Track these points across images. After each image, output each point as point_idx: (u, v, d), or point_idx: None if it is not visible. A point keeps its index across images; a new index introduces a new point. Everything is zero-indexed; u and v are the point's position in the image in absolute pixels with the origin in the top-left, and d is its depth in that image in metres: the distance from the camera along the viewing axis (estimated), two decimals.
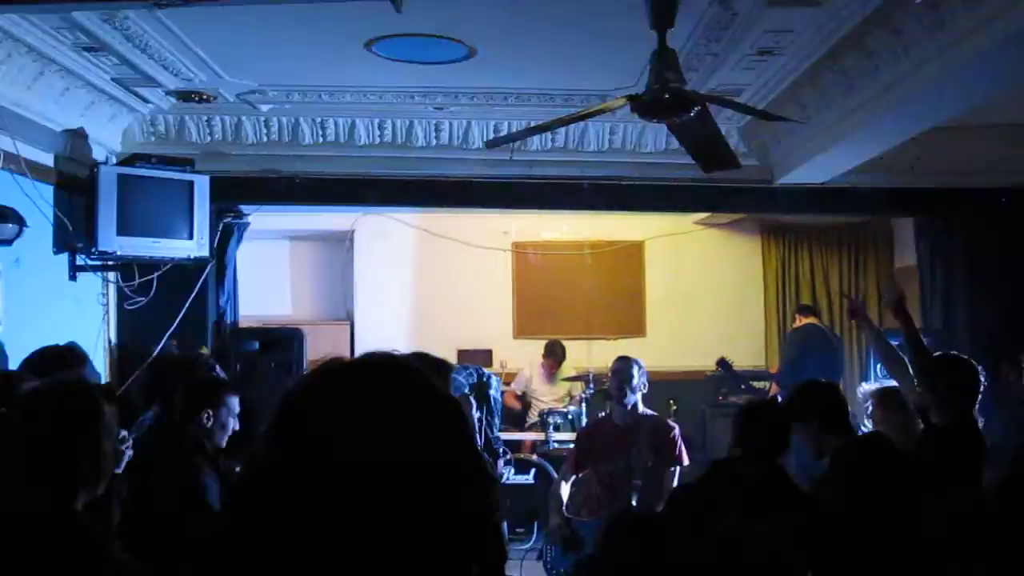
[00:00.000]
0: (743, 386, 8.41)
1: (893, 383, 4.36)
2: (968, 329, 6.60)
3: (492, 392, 7.34)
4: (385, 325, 9.28)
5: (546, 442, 7.82)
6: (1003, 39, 3.64)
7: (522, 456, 7.64)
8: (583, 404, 8.19)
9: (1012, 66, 3.93)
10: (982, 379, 3.88)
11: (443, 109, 5.63)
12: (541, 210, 8.80)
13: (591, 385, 8.30)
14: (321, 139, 6.23)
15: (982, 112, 5.01)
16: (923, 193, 6.82)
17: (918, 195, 6.87)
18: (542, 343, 8.94)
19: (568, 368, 8.74)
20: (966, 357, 3.99)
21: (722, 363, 8.38)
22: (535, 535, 7.18)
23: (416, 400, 1.09)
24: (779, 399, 8.05)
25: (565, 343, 8.90)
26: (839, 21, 4.16)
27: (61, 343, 4.08)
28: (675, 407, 8.99)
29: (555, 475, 7.47)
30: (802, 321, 8.09)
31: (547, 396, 8.66)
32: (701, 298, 9.53)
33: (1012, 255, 6.47)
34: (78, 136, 5.50)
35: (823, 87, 5.01)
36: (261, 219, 7.20)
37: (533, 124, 4.41)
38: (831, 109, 5.15)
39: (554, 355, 8.73)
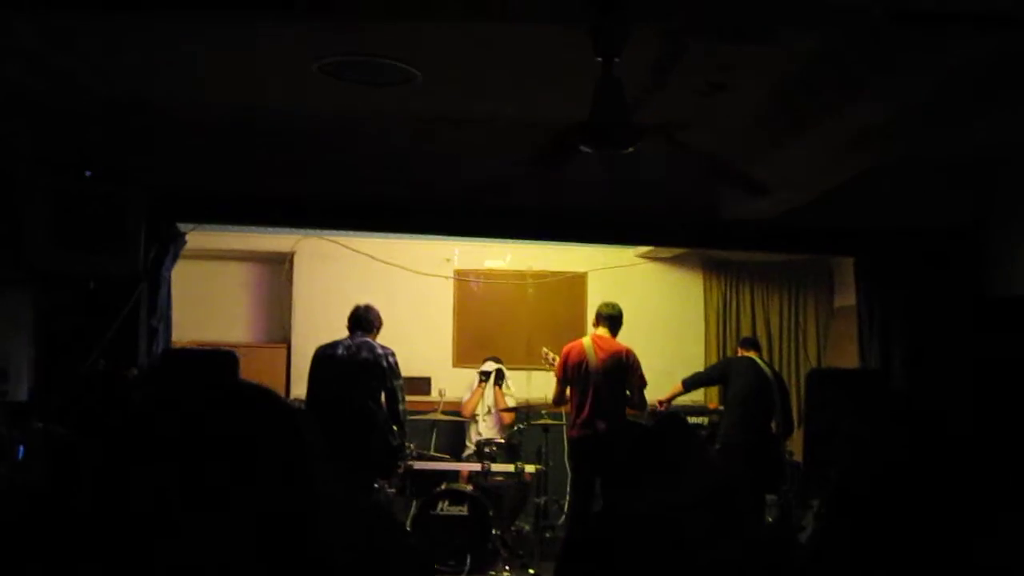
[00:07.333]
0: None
1: None
2: (906, 370, 6.63)
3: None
4: None
5: (484, 473, 7.68)
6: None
7: (458, 487, 7.50)
8: (520, 435, 8.12)
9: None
10: None
11: (387, 133, 5.54)
12: (482, 238, 8.76)
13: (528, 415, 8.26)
14: (260, 159, 6.07)
15: (924, 151, 5.05)
16: (863, 233, 6.86)
17: (858, 235, 6.91)
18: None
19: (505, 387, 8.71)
20: None
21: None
22: (467, 567, 7.06)
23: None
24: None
25: (506, 371, 8.83)
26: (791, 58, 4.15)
27: None
28: None
29: (491, 508, 7.36)
30: (740, 353, 8.23)
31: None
32: (642, 332, 9.49)
33: (951, 296, 6.51)
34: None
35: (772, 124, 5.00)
36: (198, 238, 7.03)
37: (482, 150, 4.31)
38: (780, 147, 5.14)
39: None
